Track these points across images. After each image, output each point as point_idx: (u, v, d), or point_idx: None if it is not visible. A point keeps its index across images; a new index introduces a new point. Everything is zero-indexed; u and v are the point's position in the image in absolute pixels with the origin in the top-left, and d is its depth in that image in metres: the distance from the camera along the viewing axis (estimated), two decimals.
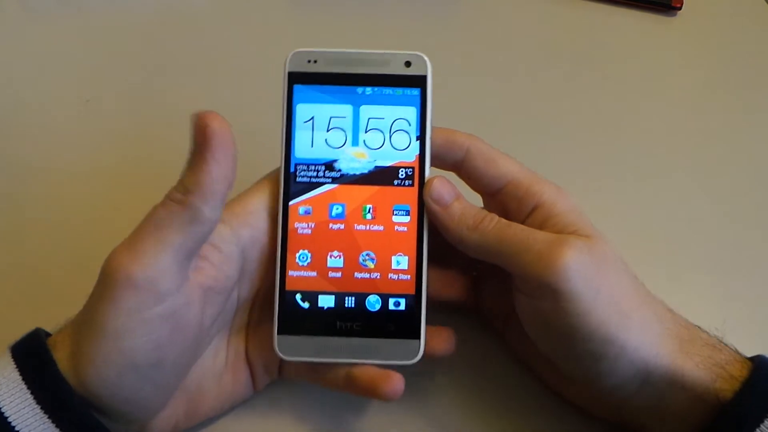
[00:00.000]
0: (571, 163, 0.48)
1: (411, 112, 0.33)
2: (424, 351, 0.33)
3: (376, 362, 0.32)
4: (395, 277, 0.33)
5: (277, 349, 0.33)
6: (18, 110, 0.49)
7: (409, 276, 0.33)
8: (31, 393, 0.28)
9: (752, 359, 0.31)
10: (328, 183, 0.33)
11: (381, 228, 0.33)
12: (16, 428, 0.27)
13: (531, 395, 0.36)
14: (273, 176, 0.34)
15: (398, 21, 0.57)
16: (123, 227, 0.43)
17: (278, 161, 0.33)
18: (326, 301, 0.33)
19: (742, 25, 0.58)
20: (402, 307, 0.33)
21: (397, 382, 0.31)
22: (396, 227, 0.33)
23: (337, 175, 0.33)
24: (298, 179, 0.33)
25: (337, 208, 0.33)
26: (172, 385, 0.32)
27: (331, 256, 0.33)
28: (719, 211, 0.46)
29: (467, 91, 0.50)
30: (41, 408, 0.27)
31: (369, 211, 0.33)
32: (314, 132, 0.33)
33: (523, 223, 0.32)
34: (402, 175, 0.33)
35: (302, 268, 0.33)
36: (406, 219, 0.33)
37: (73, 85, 0.50)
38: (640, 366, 0.30)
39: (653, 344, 0.30)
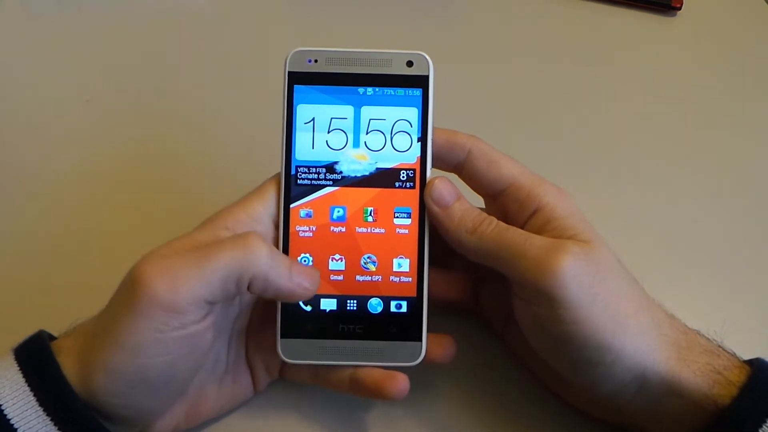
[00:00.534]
0: (571, 163, 0.48)
1: (412, 113, 0.33)
2: (425, 355, 0.33)
3: (378, 364, 0.32)
4: (397, 279, 0.33)
5: (280, 352, 0.33)
6: (18, 110, 0.49)
7: (410, 278, 0.33)
8: (34, 395, 0.28)
9: (751, 363, 0.31)
10: (329, 185, 0.33)
11: (382, 231, 0.33)
12: (18, 430, 0.27)
13: (531, 397, 0.36)
14: (276, 180, 0.34)
15: (398, 21, 0.57)
16: (123, 227, 0.43)
17: (278, 163, 0.33)
18: (328, 304, 0.33)
19: (742, 25, 0.58)
20: (404, 309, 0.33)
21: (402, 383, 0.31)
22: (397, 230, 0.33)
23: (338, 177, 0.33)
24: (299, 182, 0.33)
25: (339, 211, 0.33)
26: (177, 393, 0.32)
27: (332, 260, 0.33)
28: (719, 210, 0.46)
29: (467, 91, 0.50)
30: (43, 410, 0.27)
31: (370, 214, 0.33)
32: (315, 133, 0.33)
33: (523, 226, 0.32)
34: (403, 177, 0.33)
35: None
36: (408, 221, 0.33)
37: (73, 85, 0.50)
38: (637, 372, 0.30)
39: (650, 351, 0.30)
